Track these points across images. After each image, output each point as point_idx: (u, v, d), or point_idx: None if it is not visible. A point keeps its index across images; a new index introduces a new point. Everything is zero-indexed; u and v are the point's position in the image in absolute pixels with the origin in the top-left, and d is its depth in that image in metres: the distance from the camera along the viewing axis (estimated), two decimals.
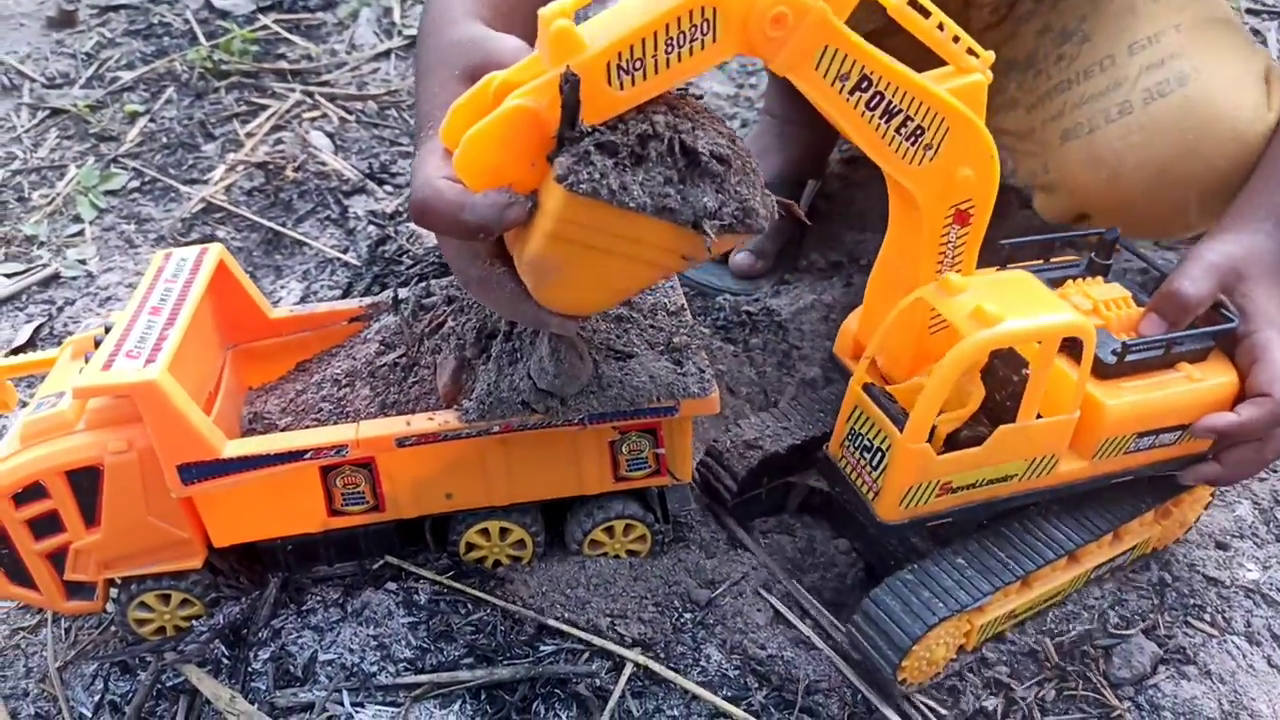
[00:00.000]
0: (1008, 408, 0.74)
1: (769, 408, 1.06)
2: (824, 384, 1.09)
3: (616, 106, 0.51)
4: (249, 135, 1.55)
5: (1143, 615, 0.86)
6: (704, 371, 0.75)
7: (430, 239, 1.28)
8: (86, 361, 0.71)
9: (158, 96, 1.66)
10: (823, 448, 0.81)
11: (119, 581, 0.77)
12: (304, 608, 0.79)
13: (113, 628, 0.82)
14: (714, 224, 0.53)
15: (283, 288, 1.24)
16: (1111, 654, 0.82)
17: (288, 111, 1.60)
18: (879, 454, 0.73)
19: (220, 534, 0.75)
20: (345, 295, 1.21)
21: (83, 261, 1.30)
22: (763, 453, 0.87)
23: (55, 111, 1.61)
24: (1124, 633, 0.84)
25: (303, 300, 1.22)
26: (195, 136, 1.56)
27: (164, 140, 1.55)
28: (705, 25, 0.52)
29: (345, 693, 0.74)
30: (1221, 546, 0.93)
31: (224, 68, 1.71)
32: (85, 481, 0.70)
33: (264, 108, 1.62)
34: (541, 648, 0.77)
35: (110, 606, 0.78)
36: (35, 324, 1.19)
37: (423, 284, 0.85)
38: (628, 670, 0.76)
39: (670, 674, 0.76)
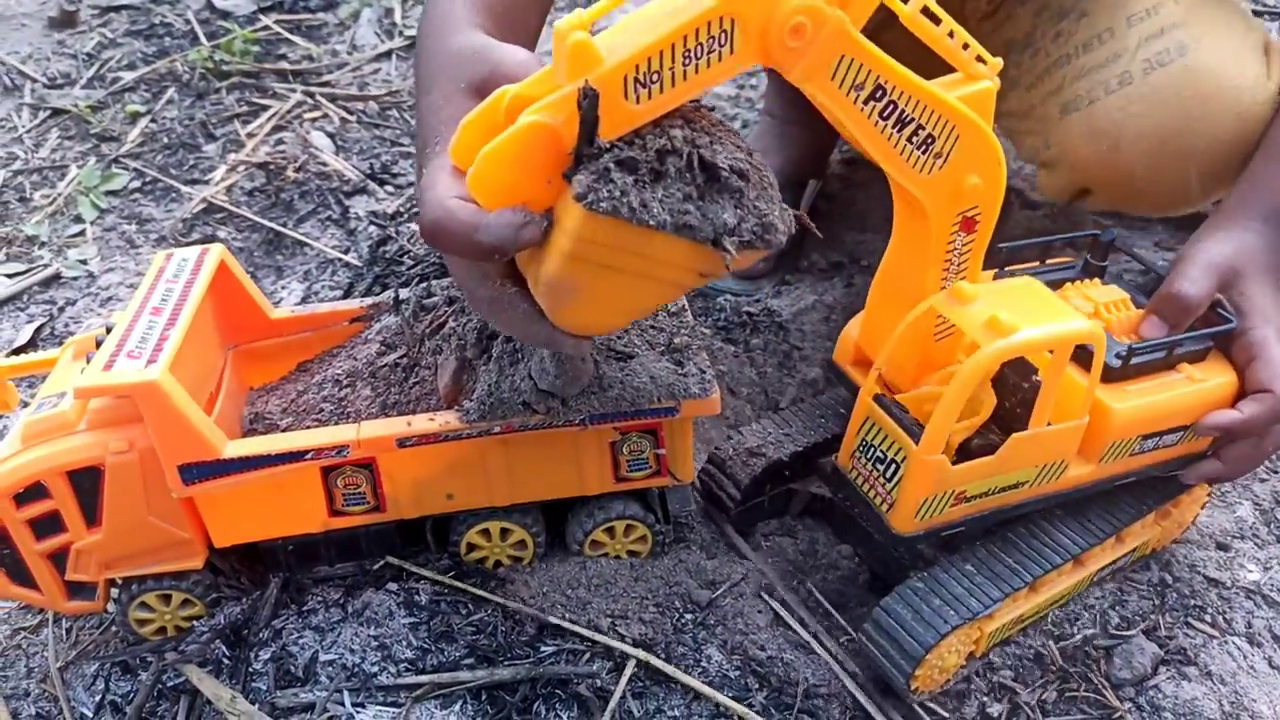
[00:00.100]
0: (1017, 414, 0.73)
1: (770, 410, 1.07)
2: (824, 384, 1.09)
3: (633, 121, 0.50)
4: (250, 136, 1.55)
5: (1143, 616, 0.86)
6: (705, 372, 0.75)
7: None
8: (88, 362, 0.71)
9: (159, 97, 1.66)
10: (832, 458, 0.80)
11: (120, 582, 0.77)
12: (305, 608, 0.79)
13: (114, 628, 0.82)
14: (734, 240, 0.52)
15: (284, 288, 1.24)
16: (1113, 655, 0.82)
17: (289, 112, 1.61)
18: (893, 466, 0.72)
19: (221, 534, 0.75)
20: (346, 296, 1.21)
21: (84, 262, 1.30)
22: (766, 460, 0.86)
23: (56, 112, 1.61)
24: (1125, 633, 0.84)
25: (304, 301, 1.22)
26: (196, 137, 1.56)
27: (165, 140, 1.55)
28: (723, 36, 0.51)
29: (346, 693, 0.74)
30: (1222, 547, 0.93)
31: (225, 68, 1.71)
32: (86, 482, 0.70)
33: (265, 108, 1.62)
34: (542, 648, 0.77)
35: (111, 607, 0.78)
36: (36, 324, 1.19)
37: (424, 284, 0.85)
38: (629, 670, 0.76)
39: (672, 670, 0.76)
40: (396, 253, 1.27)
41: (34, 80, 1.69)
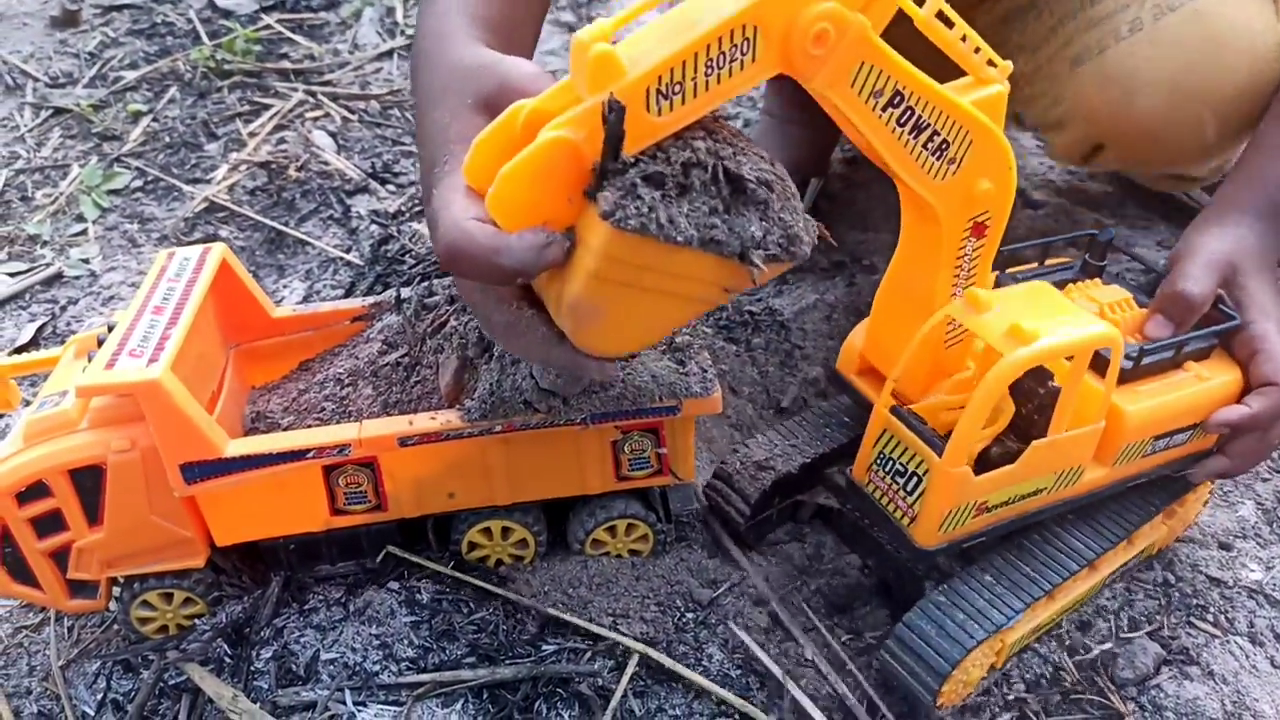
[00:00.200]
0: (1035, 421, 0.73)
1: (772, 409, 1.06)
2: (826, 384, 1.09)
3: (655, 134, 0.49)
4: (252, 135, 1.55)
5: (1149, 618, 0.85)
6: (706, 371, 0.75)
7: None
8: (89, 361, 0.71)
9: (161, 96, 1.66)
10: (838, 469, 0.79)
11: (121, 580, 0.77)
12: (306, 607, 0.79)
13: (115, 626, 0.82)
14: (760, 254, 0.51)
15: (285, 287, 1.25)
16: (1116, 655, 0.82)
17: (290, 111, 1.61)
18: (914, 479, 0.71)
19: (223, 533, 0.75)
20: (348, 294, 1.21)
21: (86, 261, 1.30)
22: (774, 474, 0.84)
23: (58, 111, 1.61)
24: (1129, 635, 0.83)
25: (305, 299, 1.22)
26: (198, 136, 1.56)
27: (167, 140, 1.55)
28: (745, 45, 0.50)
29: (347, 692, 0.74)
30: (1224, 547, 0.93)
31: (227, 67, 1.71)
32: (88, 480, 0.70)
33: (267, 107, 1.62)
34: (544, 647, 0.77)
35: (113, 605, 0.78)
36: (38, 323, 1.19)
37: (425, 283, 0.85)
38: (630, 669, 0.76)
39: (677, 666, 0.76)
40: (398, 252, 1.27)
41: (36, 79, 1.69)
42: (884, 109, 0.58)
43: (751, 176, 0.51)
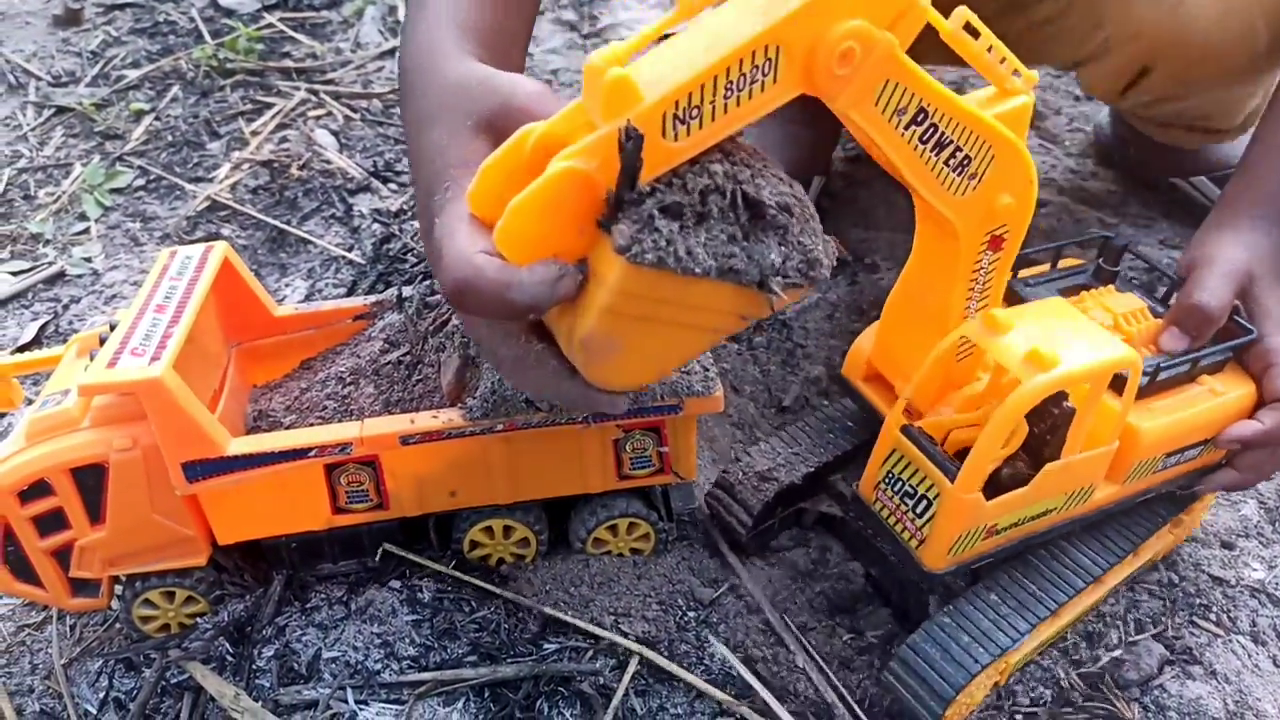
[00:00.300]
0: (1047, 441, 0.71)
1: (775, 418, 1.06)
2: (828, 383, 1.09)
3: (671, 160, 0.47)
4: (254, 133, 1.55)
5: (1155, 620, 0.85)
6: (708, 370, 0.75)
7: None
8: (91, 359, 0.71)
9: (163, 95, 1.66)
10: (842, 478, 0.78)
11: (124, 579, 0.77)
12: (308, 605, 0.79)
13: (117, 625, 0.82)
14: (779, 281, 0.50)
15: (287, 286, 1.25)
16: (1123, 662, 0.81)
17: (293, 110, 1.61)
18: (924, 502, 0.69)
19: (225, 531, 0.75)
20: (350, 293, 1.21)
21: (88, 259, 1.30)
22: (777, 485, 0.83)
23: (61, 110, 1.61)
24: (1136, 637, 0.83)
25: (307, 298, 1.22)
26: (200, 135, 1.56)
27: (169, 138, 1.55)
28: (767, 65, 0.47)
29: (349, 690, 0.74)
30: (1227, 546, 0.93)
31: (229, 66, 1.71)
32: (90, 479, 0.70)
33: (269, 106, 1.62)
34: (545, 646, 0.77)
35: (115, 604, 0.78)
36: (41, 322, 1.19)
37: (427, 282, 0.85)
38: (631, 668, 0.76)
39: (676, 668, 0.76)
40: (400, 250, 1.27)
41: (39, 78, 1.70)
42: (907, 126, 0.56)
43: (771, 202, 0.49)
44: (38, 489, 0.70)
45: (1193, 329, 0.76)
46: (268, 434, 0.74)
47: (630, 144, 0.44)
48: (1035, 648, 0.78)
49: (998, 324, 0.66)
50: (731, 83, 0.47)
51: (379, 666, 0.75)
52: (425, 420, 0.72)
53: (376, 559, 0.81)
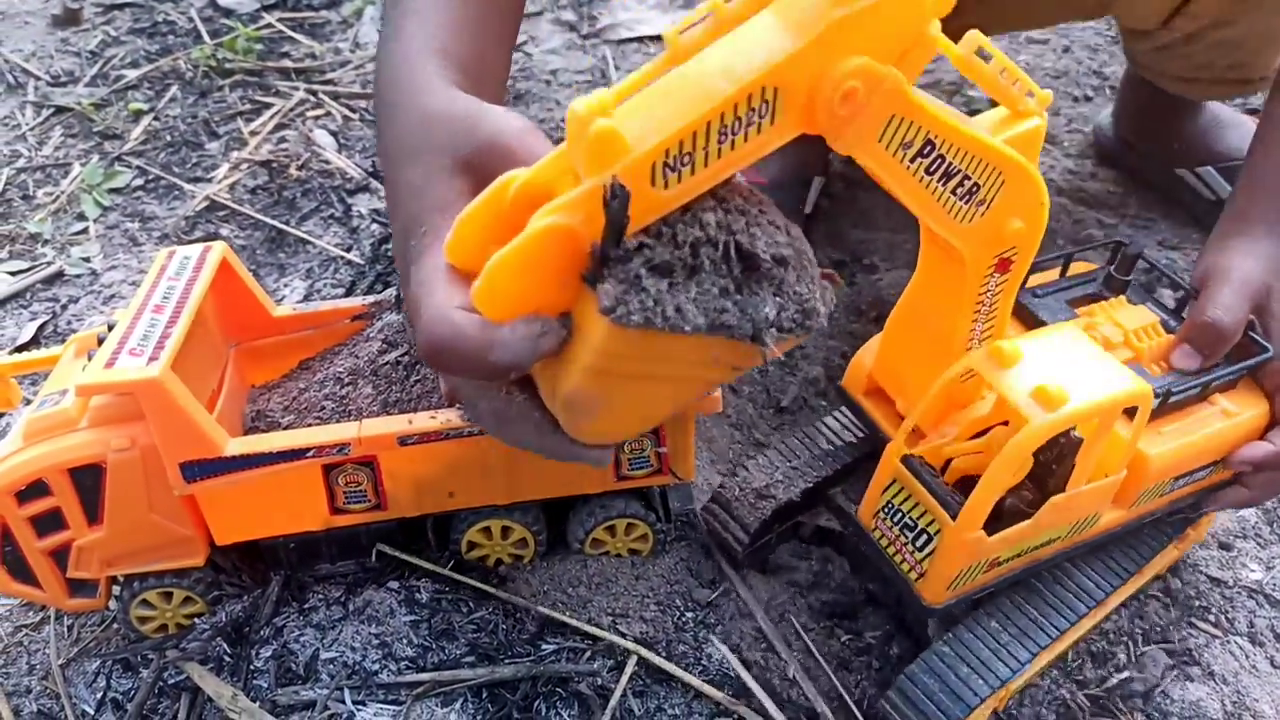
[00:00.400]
0: (1053, 470, 0.69)
1: (774, 419, 1.06)
2: (826, 384, 1.09)
3: (659, 209, 0.44)
4: (253, 133, 1.55)
5: (1161, 630, 0.84)
6: None
7: None
8: (89, 359, 0.71)
9: (162, 95, 1.66)
10: (842, 494, 0.76)
11: (121, 579, 0.77)
12: (306, 606, 0.79)
13: (115, 625, 0.82)
14: (774, 333, 0.47)
15: (286, 286, 1.25)
16: (1132, 680, 0.80)
17: (292, 110, 1.61)
18: (924, 536, 0.67)
19: (222, 532, 0.75)
20: (348, 293, 1.21)
21: (87, 259, 1.30)
22: (775, 502, 0.81)
23: (60, 109, 1.61)
24: (1143, 649, 0.82)
25: (306, 298, 1.22)
26: (199, 135, 1.56)
27: (168, 138, 1.55)
28: (764, 108, 0.44)
29: (347, 691, 0.74)
30: (1225, 547, 0.93)
31: (228, 66, 1.71)
32: (88, 479, 0.70)
33: (268, 106, 1.62)
34: (543, 646, 0.77)
35: (112, 604, 0.78)
36: (39, 322, 1.19)
37: None
38: (629, 669, 0.76)
39: (674, 668, 0.76)
40: None
41: (37, 78, 1.70)
42: (913, 160, 0.54)
43: (766, 254, 0.46)
44: (35, 489, 0.70)
45: (1205, 347, 0.73)
46: (266, 434, 0.74)
47: (615, 201, 0.42)
48: (1037, 671, 0.77)
49: (1004, 356, 0.63)
50: (726, 127, 0.44)
51: (377, 667, 0.75)
52: (423, 421, 0.72)
53: (374, 559, 0.81)
